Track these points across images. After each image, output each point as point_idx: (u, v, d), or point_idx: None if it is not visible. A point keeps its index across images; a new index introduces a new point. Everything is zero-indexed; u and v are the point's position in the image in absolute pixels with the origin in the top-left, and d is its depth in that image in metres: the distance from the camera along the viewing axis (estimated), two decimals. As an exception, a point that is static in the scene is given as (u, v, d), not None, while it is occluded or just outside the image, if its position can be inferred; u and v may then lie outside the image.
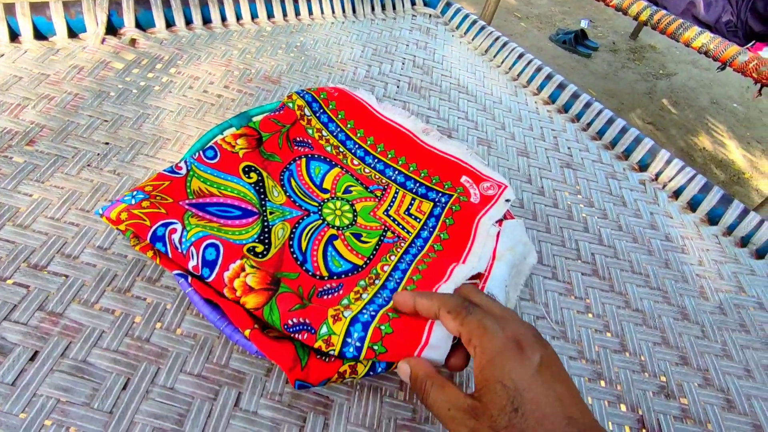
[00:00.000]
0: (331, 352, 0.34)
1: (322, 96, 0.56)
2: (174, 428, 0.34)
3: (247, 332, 0.35)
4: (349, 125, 0.56)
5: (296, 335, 0.35)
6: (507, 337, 0.28)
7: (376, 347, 0.35)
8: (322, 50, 0.77)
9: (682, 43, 1.44)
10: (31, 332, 0.36)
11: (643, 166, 0.73)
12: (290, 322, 0.35)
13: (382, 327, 0.36)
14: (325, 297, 0.35)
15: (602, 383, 0.45)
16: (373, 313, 0.37)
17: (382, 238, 0.48)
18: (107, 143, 0.51)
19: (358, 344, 0.35)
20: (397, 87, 0.75)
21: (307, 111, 0.54)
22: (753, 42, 1.95)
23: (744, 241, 0.64)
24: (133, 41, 0.65)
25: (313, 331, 0.35)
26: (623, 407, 0.44)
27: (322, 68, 0.73)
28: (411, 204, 0.52)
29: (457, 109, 0.75)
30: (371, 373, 0.36)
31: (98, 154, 0.50)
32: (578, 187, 0.67)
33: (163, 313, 0.40)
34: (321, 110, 0.55)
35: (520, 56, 0.88)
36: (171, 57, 0.65)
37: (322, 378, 0.34)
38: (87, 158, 0.49)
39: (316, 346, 0.34)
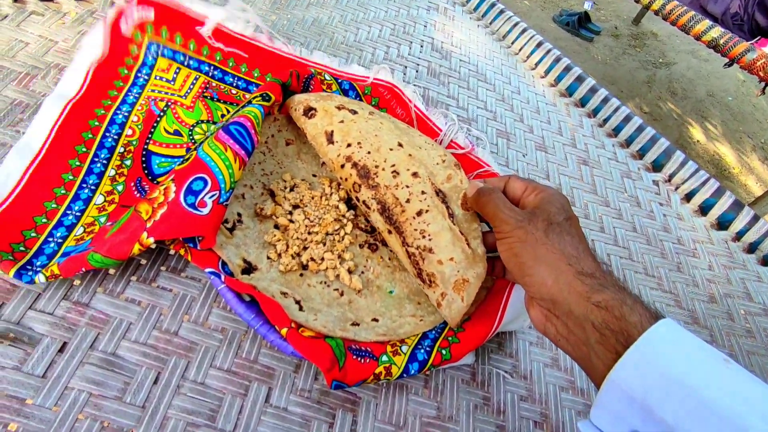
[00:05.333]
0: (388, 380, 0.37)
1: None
2: (207, 423, 0.34)
3: (284, 331, 0.34)
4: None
5: (360, 359, 0.36)
6: (560, 192, 0.39)
7: (444, 351, 0.38)
8: (340, 27, 0.74)
9: (692, 36, 1.43)
10: (58, 323, 0.35)
11: (656, 166, 0.73)
12: (354, 347, 0.36)
13: (443, 350, 0.39)
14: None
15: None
16: (428, 349, 0.39)
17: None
18: (124, 121, 0.49)
19: (418, 366, 0.38)
20: (416, 71, 0.73)
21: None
22: (758, 38, 1.94)
23: (752, 248, 0.65)
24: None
25: (375, 358, 0.36)
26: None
27: (340, 47, 0.71)
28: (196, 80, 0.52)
29: (476, 98, 0.74)
30: (404, 375, 0.36)
31: (115, 132, 0.48)
32: (594, 186, 0.67)
33: (190, 306, 0.39)
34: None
35: (539, 45, 0.86)
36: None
37: (358, 379, 0.35)
38: (104, 137, 0.47)
39: (376, 372, 0.36)
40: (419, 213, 0.41)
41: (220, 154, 0.39)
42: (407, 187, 0.42)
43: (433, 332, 0.41)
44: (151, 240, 0.34)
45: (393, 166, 0.44)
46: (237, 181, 0.39)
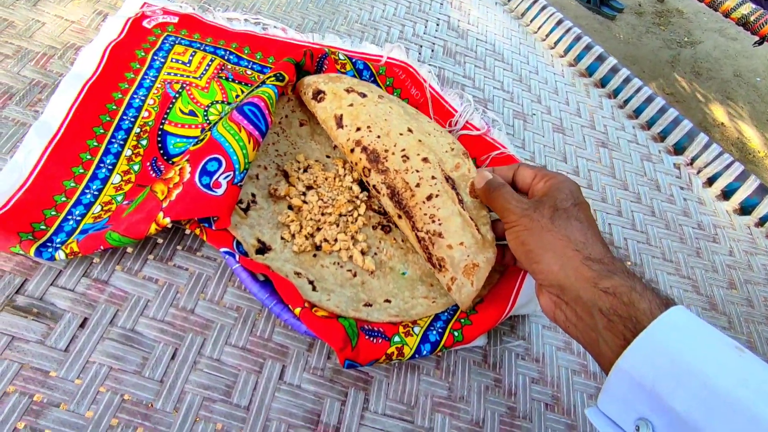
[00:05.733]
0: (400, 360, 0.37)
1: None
2: (222, 399, 0.35)
3: (297, 311, 0.35)
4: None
5: (372, 338, 0.36)
6: (568, 177, 0.38)
7: (456, 333, 0.39)
8: (354, 6, 0.73)
9: (720, 13, 1.37)
10: (78, 299, 0.36)
11: (678, 149, 0.71)
12: (366, 327, 0.37)
13: (455, 332, 0.39)
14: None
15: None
16: (440, 330, 0.39)
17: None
18: (139, 101, 0.49)
19: (429, 347, 0.38)
20: (432, 51, 0.72)
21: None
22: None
23: (775, 233, 0.64)
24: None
25: (386, 338, 0.37)
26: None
27: (354, 25, 0.70)
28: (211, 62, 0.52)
29: (493, 78, 0.72)
30: (416, 356, 0.37)
31: (131, 112, 0.48)
32: (613, 169, 0.66)
33: (205, 284, 0.40)
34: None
35: (559, 23, 0.83)
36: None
37: (370, 359, 0.35)
38: (120, 117, 0.47)
39: (388, 352, 0.36)
40: (429, 197, 0.41)
41: (234, 134, 0.39)
42: (417, 171, 0.42)
43: (446, 314, 0.41)
44: (168, 220, 0.35)
45: (403, 150, 0.43)
46: (251, 162, 0.40)
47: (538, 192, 0.38)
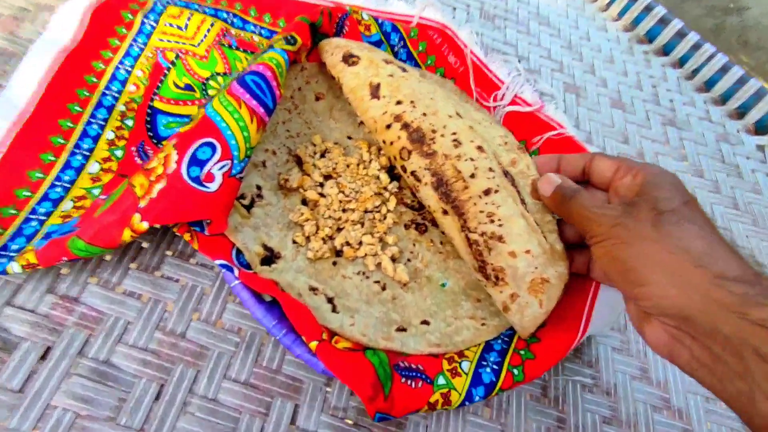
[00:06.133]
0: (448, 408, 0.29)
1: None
2: (220, 450, 0.28)
3: (313, 345, 0.27)
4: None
5: (409, 381, 0.28)
6: (665, 169, 0.29)
7: (516, 371, 0.31)
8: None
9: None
10: (40, 322, 0.29)
11: (760, 128, 0.60)
12: (402, 365, 0.29)
13: (515, 370, 0.31)
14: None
15: (720, 403, 0.38)
16: (495, 367, 0.30)
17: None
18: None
19: (483, 391, 0.30)
20: (467, 14, 0.62)
21: None
22: None
23: None
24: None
25: (429, 381, 0.29)
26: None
27: (378, -15, 0.60)
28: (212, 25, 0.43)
29: (539, 44, 0.62)
30: (467, 403, 0.29)
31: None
32: (683, 152, 0.56)
33: (200, 300, 0.32)
34: None
35: (614, -20, 0.72)
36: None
37: (409, 410, 0.27)
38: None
39: (432, 400, 0.28)
40: (487, 192, 0.32)
41: (234, 112, 0.30)
42: (472, 160, 0.33)
43: (499, 341, 0.33)
44: (145, 225, 0.27)
45: (454, 134, 0.34)
46: (254, 147, 0.31)
47: (627, 190, 0.29)
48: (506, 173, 0.34)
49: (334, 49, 0.39)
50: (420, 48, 0.45)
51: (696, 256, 0.24)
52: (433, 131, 0.34)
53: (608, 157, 0.32)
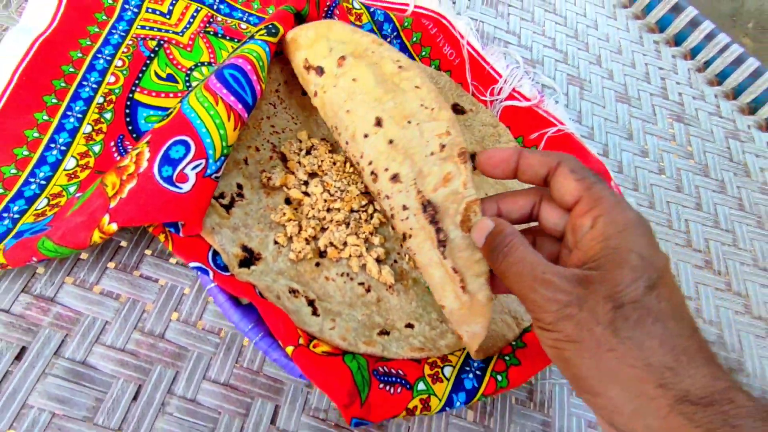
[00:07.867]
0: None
1: None
2: (196, 453, 0.28)
3: (290, 349, 0.26)
4: None
5: (388, 387, 0.28)
6: (640, 216, 0.24)
7: (499, 377, 0.30)
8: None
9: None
10: (15, 323, 0.28)
11: (772, 124, 0.58)
12: (381, 370, 0.28)
13: (498, 376, 0.30)
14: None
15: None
16: (479, 373, 0.30)
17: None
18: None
19: (465, 397, 0.29)
20: (468, 0, 0.59)
21: None
22: None
23: None
24: None
25: (408, 386, 0.28)
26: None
27: (376, -31, 0.57)
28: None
29: (543, 34, 0.60)
30: (447, 408, 0.28)
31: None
32: (690, 149, 0.54)
33: (180, 300, 0.32)
34: None
35: (626, -36, 0.68)
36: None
37: (386, 416, 0.26)
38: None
39: (410, 406, 0.27)
40: (404, 237, 0.30)
41: (210, 108, 0.29)
42: (387, 198, 0.30)
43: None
44: (114, 227, 0.26)
45: (370, 164, 0.31)
46: (232, 146, 0.30)
47: (582, 240, 0.23)
48: (426, 206, 0.28)
49: (295, 51, 0.36)
50: (414, 39, 0.44)
51: (658, 372, 0.20)
52: (358, 164, 0.32)
53: (575, 170, 0.25)
